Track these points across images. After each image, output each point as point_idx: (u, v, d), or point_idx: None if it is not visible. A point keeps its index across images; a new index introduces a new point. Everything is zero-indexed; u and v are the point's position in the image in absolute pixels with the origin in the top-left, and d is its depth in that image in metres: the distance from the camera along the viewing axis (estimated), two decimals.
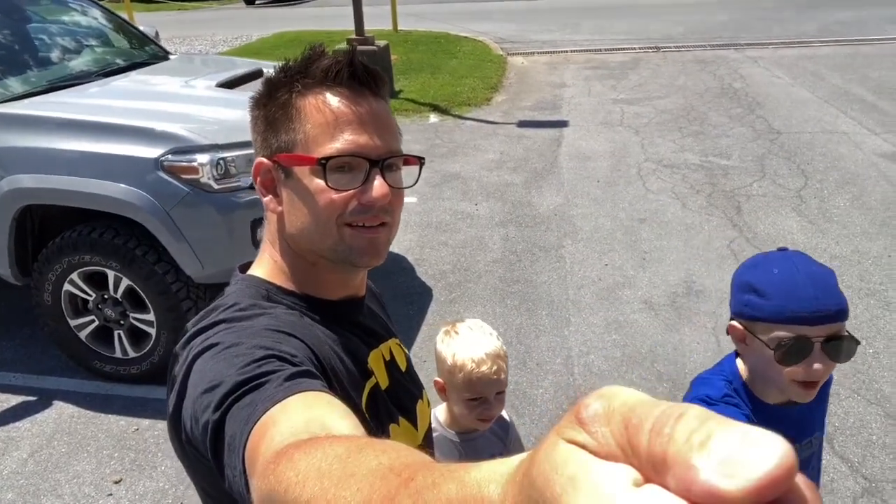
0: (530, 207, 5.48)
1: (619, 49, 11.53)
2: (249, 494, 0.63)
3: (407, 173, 1.02)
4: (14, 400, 3.52)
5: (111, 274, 3.33)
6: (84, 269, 3.35)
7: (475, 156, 6.75)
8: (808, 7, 14.42)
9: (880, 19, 12.66)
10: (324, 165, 0.90)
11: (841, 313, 1.22)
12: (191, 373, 0.81)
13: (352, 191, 0.92)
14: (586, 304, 4.12)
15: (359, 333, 1.03)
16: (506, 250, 4.82)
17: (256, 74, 4.17)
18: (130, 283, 3.32)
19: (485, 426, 1.69)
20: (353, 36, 8.87)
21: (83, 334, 3.54)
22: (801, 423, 1.38)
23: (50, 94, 3.65)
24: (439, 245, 4.94)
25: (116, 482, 2.98)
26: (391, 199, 0.94)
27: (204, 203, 3.14)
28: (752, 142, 6.73)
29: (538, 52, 11.68)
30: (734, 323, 1.33)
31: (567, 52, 11.57)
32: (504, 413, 1.79)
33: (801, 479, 0.24)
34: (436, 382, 1.68)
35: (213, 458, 0.73)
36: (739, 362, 1.39)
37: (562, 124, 7.60)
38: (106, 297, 3.44)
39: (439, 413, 1.73)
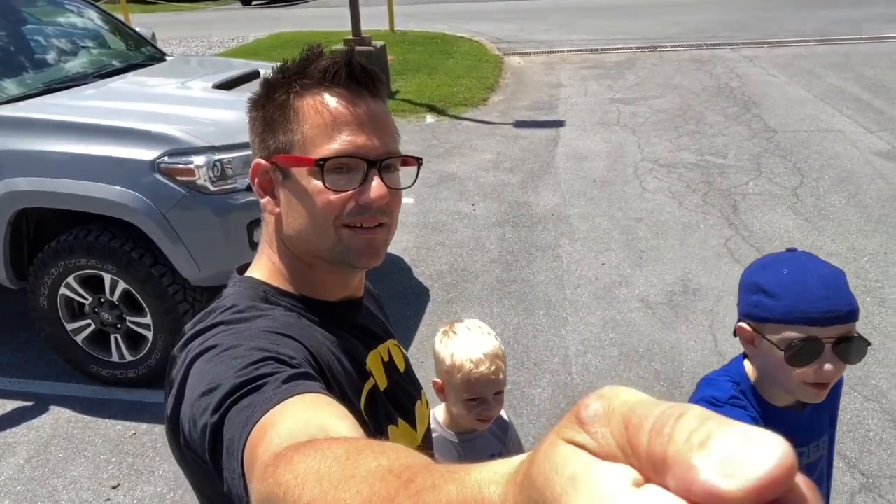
0: (527, 207, 5.49)
1: (615, 49, 11.54)
2: (248, 497, 0.62)
3: (405, 174, 1.01)
4: (10, 405, 3.51)
5: (107, 277, 3.32)
6: (80, 272, 3.34)
7: (472, 156, 6.76)
8: (804, 6, 14.46)
9: (875, 18, 12.70)
10: (322, 166, 0.90)
11: (852, 314, 1.21)
12: (189, 375, 0.80)
13: (350, 192, 0.92)
14: (583, 304, 4.12)
15: (357, 334, 1.02)
16: (503, 250, 4.82)
17: (253, 76, 4.16)
18: (127, 286, 3.31)
19: (484, 426, 1.69)
20: (350, 36, 8.86)
21: (80, 338, 3.53)
22: (809, 426, 1.37)
23: (46, 96, 3.64)
24: (436, 245, 4.94)
25: (114, 487, 2.97)
26: (389, 200, 0.94)
27: (200, 205, 3.14)
28: (748, 140, 6.74)
29: (535, 53, 11.70)
30: (742, 324, 1.31)
31: (563, 52, 11.59)
32: (503, 413, 1.79)
33: (801, 479, 0.24)
34: (434, 383, 1.67)
35: (211, 461, 0.73)
36: (747, 364, 1.38)
37: (558, 124, 7.61)
38: (102, 300, 3.43)
39: (438, 414, 1.73)
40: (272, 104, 0.95)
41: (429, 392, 1.27)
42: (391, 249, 1.01)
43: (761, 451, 0.22)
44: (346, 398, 0.89)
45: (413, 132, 7.46)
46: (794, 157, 6.24)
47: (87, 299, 3.44)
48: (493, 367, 1.59)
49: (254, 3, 23.03)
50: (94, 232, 3.27)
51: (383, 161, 0.93)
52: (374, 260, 0.97)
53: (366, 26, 9.43)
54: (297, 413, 0.66)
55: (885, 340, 3.64)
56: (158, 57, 4.68)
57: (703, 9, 14.92)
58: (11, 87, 3.64)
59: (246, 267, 1.03)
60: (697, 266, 4.47)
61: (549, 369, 3.56)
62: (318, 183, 0.91)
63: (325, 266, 0.97)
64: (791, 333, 1.21)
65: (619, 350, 3.67)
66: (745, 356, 1.39)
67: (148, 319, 3.37)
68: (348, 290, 1.03)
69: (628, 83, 9.27)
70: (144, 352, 3.47)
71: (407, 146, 6.33)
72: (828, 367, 1.20)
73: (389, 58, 9.74)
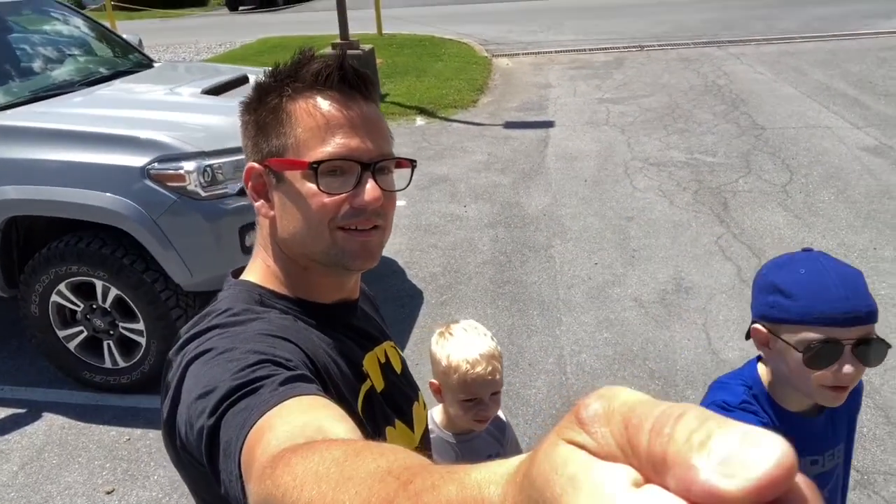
0: (519, 208, 5.50)
1: (602, 49, 11.59)
2: (246, 499, 0.62)
3: (399, 176, 1.01)
4: (3, 412, 3.48)
5: (99, 284, 3.30)
6: (72, 279, 3.32)
7: (463, 158, 6.76)
8: (789, 3, 14.56)
9: (860, 14, 12.80)
10: (315, 169, 0.90)
11: (871, 315, 1.18)
12: (185, 378, 0.80)
13: (344, 194, 0.92)
14: (577, 304, 4.13)
15: (353, 336, 1.02)
16: (496, 251, 4.82)
17: (241, 81, 4.15)
18: (119, 292, 3.30)
19: (481, 427, 1.69)
20: (338, 40, 8.86)
21: (72, 345, 3.51)
22: (824, 433, 1.34)
23: (33, 105, 3.62)
24: (429, 247, 4.94)
25: (109, 493, 2.95)
26: (383, 202, 0.94)
27: (191, 211, 3.13)
28: (736, 138, 6.78)
29: (523, 54, 11.72)
30: (757, 326, 1.27)
31: (551, 52, 11.62)
32: (501, 414, 1.79)
33: (801, 479, 0.24)
34: (431, 384, 1.67)
35: (208, 464, 0.72)
36: (761, 367, 1.34)
37: (548, 125, 7.62)
38: (94, 307, 3.41)
39: (436, 415, 1.73)
40: (264, 108, 0.95)
41: (426, 393, 1.27)
42: (384, 252, 1.01)
43: (761, 451, 0.23)
44: (343, 400, 0.89)
45: (403, 135, 7.46)
46: (782, 154, 6.27)
47: (78, 306, 3.42)
48: (490, 368, 1.59)
49: (241, 8, 22.98)
50: (85, 239, 3.25)
51: (377, 163, 0.93)
52: (369, 262, 0.97)
53: (353, 30, 9.43)
54: (295, 415, 0.66)
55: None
56: (146, 63, 4.67)
57: (689, 8, 14.99)
58: None
59: (241, 270, 1.03)
60: (689, 264, 4.49)
61: (544, 369, 3.56)
62: (312, 186, 0.91)
63: (320, 269, 0.97)
64: (809, 334, 1.17)
65: (614, 349, 3.68)
66: (758, 359, 1.35)
67: (140, 325, 3.36)
68: (344, 293, 1.03)
69: (616, 83, 9.30)
70: (137, 358, 3.45)
71: (398, 149, 6.33)
72: (847, 369, 1.16)
73: (378, 61, 9.74)
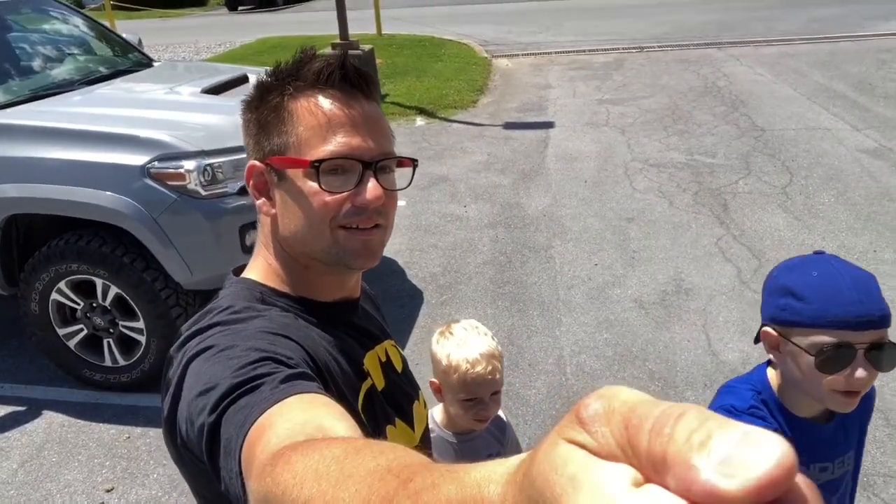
0: (519, 209, 5.50)
1: (602, 50, 11.59)
2: (246, 497, 0.62)
3: (400, 175, 1.01)
4: (3, 410, 3.49)
5: (99, 282, 3.30)
6: (72, 277, 3.33)
7: (462, 158, 6.76)
8: (789, 5, 14.58)
9: (859, 16, 12.81)
10: (317, 168, 0.90)
11: (885, 319, 1.16)
12: (186, 376, 0.80)
13: (345, 193, 0.92)
14: (577, 304, 4.13)
15: (354, 335, 1.02)
16: (496, 252, 4.82)
17: (241, 80, 4.16)
18: (119, 291, 3.30)
19: (481, 426, 1.69)
20: (338, 40, 8.86)
21: (72, 343, 3.51)
22: (834, 439, 1.32)
23: (33, 103, 3.62)
24: (429, 248, 4.94)
25: (108, 491, 2.95)
26: (385, 201, 0.94)
27: (191, 209, 3.13)
28: (736, 139, 6.78)
29: (522, 54, 11.73)
30: (768, 329, 1.25)
31: (551, 53, 11.63)
32: (501, 413, 1.79)
33: (801, 479, 0.24)
34: (431, 383, 1.68)
35: (208, 461, 0.72)
36: (771, 372, 1.32)
37: (548, 125, 7.63)
38: (94, 305, 3.41)
39: (436, 414, 1.73)
40: (266, 106, 0.95)
41: (426, 392, 1.27)
42: (384, 252, 1.01)
43: (761, 451, 0.23)
44: (344, 398, 0.89)
45: (403, 135, 7.46)
46: (782, 156, 6.28)
47: (78, 304, 3.42)
48: (490, 368, 1.59)
49: (240, 8, 22.99)
50: (86, 237, 3.25)
51: (378, 162, 0.93)
52: (371, 261, 0.97)
53: (353, 30, 9.44)
54: (295, 413, 0.66)
55: None
56: (145, 63, 4.67)
57: (689, 9, 15.01)
58: None
59: (242, 268, 1.03)
60: (689, 265, 4.49)
61: (544, 370, 3.56)
62: (314, 184, 0.91)
63: (321, 267, 0.97)
64: (822, 338, 1.15)
65: (614, 350, 3.68)
66: (768, 364, 1.34)
67: (140, 324, 3.36)
68: (345, 291, 1.03)
69: (616, 84, 9.31)
70: (137, 356, 3.45)
71: (397, 149, 6.36)
72: (860, 373, 1.14)
73: (378, 61, 9.75)
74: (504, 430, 1.79)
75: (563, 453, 0.26)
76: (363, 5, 14.16)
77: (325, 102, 0.92)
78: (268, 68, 0.98)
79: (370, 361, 1.02)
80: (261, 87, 0.97)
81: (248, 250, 3.09)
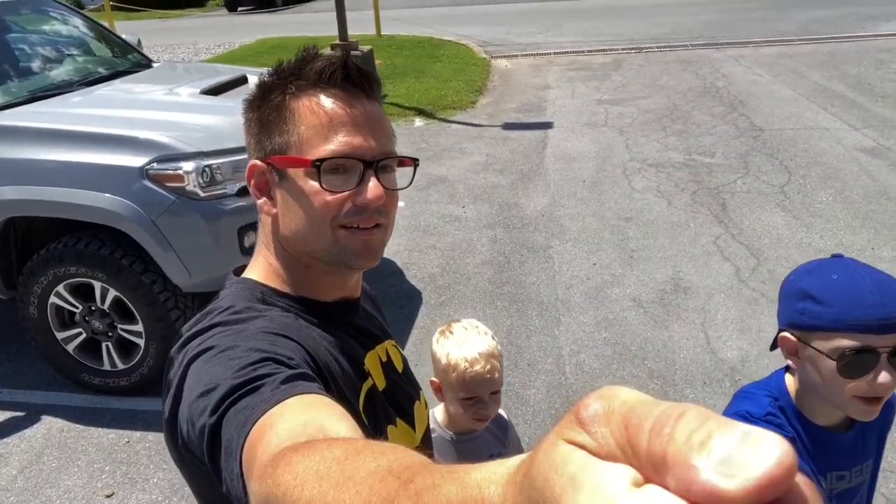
0: (517, 209, 5.50)
1: (601, 50, 11.60)
2: (247, 498, 0.62)
3: (401, 175, 1.01)
4: (1, 416, 3.47)
5: (98, 285, 3.29)
6: (70, 280, 3.32)
7: (461, 159, 6.76)
8: (787, 6, 14.60)
9: (858, 17, 12.83)
10: (318, 167, 0.90)
11: None
12: (186, 376, 0.80)
13: (346, 192, 0.92)
14: (576, 304, 4.13)
15: (354, 335, 1.02)
16: (494, 252, 4.82)
17: (240, 81, 4.15)
18: (118, 293, 3.29)
19: (481, 426, 1.69)
20: (337, 41, 8.87)
21: (70, 347, 3.50)
22: (853, 448, 1.29)
23: (31, 105, 3.62)
24: (428, 248, 4.94)
25: (108, 496, 2.95)
26: (385, 201, 0.94)
27: (190, 211, 3.12)
28: (735, 139, 6.79)
29: (521, 55, 11.74)
30: (786, 334, 1.22)
31: (550, 54, 11.63)
32: (504, 413, 1.79)
33: (801, 479, 0.24)
34: (432, 382, 1.68)
35: (209, 462, 0.72)
36: (789, 378, 1.29)
37: (547, 126, 7.63)
38: (93, 308, 3.40)
39: (438, 414, 1.73)
40: (268, 105, 0.95)
41: (427, 392, 1.27)
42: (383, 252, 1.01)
43: (761, 451, 0.23)
44: (345, 398, 0.89)
45: (402, 136, 7.44)
46: (780, 155, 6.28)
47: (77, 308, 3.41)
48: (488, 367, 1.59)
49: (239, 9, 22.99)
50: (84, 240, 3.24)
51: (380, 162, 0.93)
52: (371, 261, 0.97)
53: (352, 31, 9.44)
54: (296, 414, 0.66)
55: None
56: (145, 63, 4.66)
57: (688, 10, 15.02)
58: None
59: (243, 268, 1.03)
60: (688, 264, 4.50)
61: (543, 370, 3.56)
62: (315, 184, 0.91)
63: (321, 267, 0.97)
64: (843, 342, 1.12)
65: (613, 349, 3.68)
66: (786, 369, 1.31)
67: (139, 327, 3.35)
68: (345, 291, 1.03)
69: (615, 84, 9.31)
70: (136, 359, 3.44)
71: (397, 149, 6.38)
72: (883, 378, 1.11)
73: (377, 62, 9.76)
74: (506, 430, 1.79)
75: (563, 454, 0.26)
76: (363, 6, 14.17)
77: (326, 102, 0.92)
78: (270, 68, 0.98)
79: (371, 361, 1.02)
80: (263, 86, 0.97)
81: (247, 252, 3.09)
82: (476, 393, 1.60)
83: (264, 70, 1.02)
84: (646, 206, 5.38)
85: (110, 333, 3.44)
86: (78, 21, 4.74)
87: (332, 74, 0.92)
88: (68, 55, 4.39)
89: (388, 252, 4.79)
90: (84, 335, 3.47)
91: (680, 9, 15.21)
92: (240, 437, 0.67)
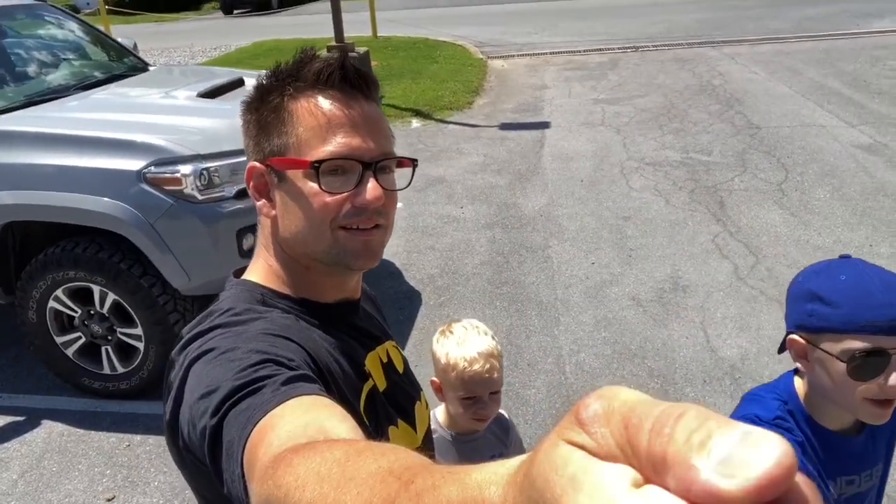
0: (516, 209, 5.50)
1: (597, 50, 11.61)
2: (248, 499, 0.62)
3: (400, 175, 1.02)
4: (2, 420, 3.47)
5: (97, 289, 3.29)
6: (69, 285, 3.31)
7: (459, 159, 6.77)
8: (782, 4, 14.62)
9: (853, 14, 12.85)
10: (317, 169, 0.90)
11: None
12: (187, 378, 0.80)
13: (345, 193, 0.92)
14: (575, 303, 4.13)
15: (355, 336, 1.02)
16: (493, 252, 4.83)
17: (237, 84, 4.15)
18: (117, 297, 3.28)
19: (481, 426, 1.69)
20: (333, 43, 8.86)
21: (70, 351, 3.49)
22: (863, 452, 1.27)
23: (28, 109, 3.61)
24: (426, 249, 4.94)
25: (109, 500, 2.94)
26: (385, 202, 0.94)
27: (188, 214, 3.12)
28: (732, 137, 6.79)
29: (518, 55, 11.74)
30: (794, 336, 1.20)
31: (546, 54, 11.64)
32: (505, 414, 1.79)
33: (801, 479, 0.24)
34: (432, 382, 1.68)
35: (211, 464, 0.72)
36: (797, 381, 1.27)
37: (544, 125, 7.63)
38: (92, 312, 3.40)
39: (439, 414, 1.73)
40: (266, 107, 0.95)
41: (428, 393, 1.27)
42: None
43: (761, 451, 0.23)
44: (345, 400, 0.89)
45: (399, 137, 7.35)
46: (777, 153, 6.29)
47: (76, 312, 3.41)
48: (488, 366, 1.59)
49: (235, 12, 22.98)
50: (82, 244, 3.24)
51: (378, 163, 0.93)
52: (371, 261, 0.97)
53: (348, 33, 9.44)
54: (297, 415, 0.66)
55: None
56: (141, 67, 4.66)
57: (684, 8, 15.04)
58: None
59: (243, 270, 1.03)
60: (686, 263, 4.50)
61: (543, 369, 3.56)
62: (314, 185, 0.91)
63: (321, 268, 0.97)
64: (853, 343, 1.11)
65: (612, 348, 3.69)
66: (795, 372, 1.29)
67: (139, 330, 3.35)
68: (345, 292, 1.03)
69: (612, 83, 9.32)
70: (136, 363, 3.44)
71: (395, 150, 6.40)
72: (894, 380, 1.10)
73: (373, 63, 9.76)
74: (507, 430, 1.79)
75: (563, 454, 0.26)
76: (358, 8, 14.18)
77: (324, 103, 0.92)
78: (267, 70, 0.98)
79: (371, 362, 1.02)
80: (261, 88, 0.97)
81: (246, 254, 3.09)
82: (476, 392, 1.61)
83: (262, 72, 1.02)
84: (644, 205, 5.38)
85: (110, 337, 3.44)
86: (74, 25, 4.73)
87: (329, 76, 0.92)
88: (64, 59, 4.39)
89: (387, 253, 4.78)
90: (83, 339, 3.47)
91: (675, 7, 15.23)
92: (241, 439, 0.67)
